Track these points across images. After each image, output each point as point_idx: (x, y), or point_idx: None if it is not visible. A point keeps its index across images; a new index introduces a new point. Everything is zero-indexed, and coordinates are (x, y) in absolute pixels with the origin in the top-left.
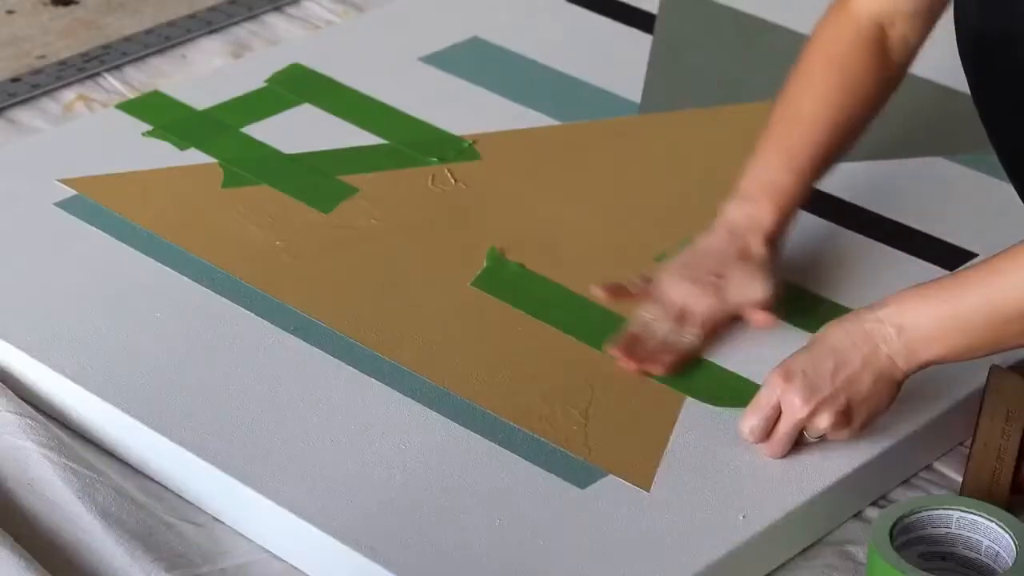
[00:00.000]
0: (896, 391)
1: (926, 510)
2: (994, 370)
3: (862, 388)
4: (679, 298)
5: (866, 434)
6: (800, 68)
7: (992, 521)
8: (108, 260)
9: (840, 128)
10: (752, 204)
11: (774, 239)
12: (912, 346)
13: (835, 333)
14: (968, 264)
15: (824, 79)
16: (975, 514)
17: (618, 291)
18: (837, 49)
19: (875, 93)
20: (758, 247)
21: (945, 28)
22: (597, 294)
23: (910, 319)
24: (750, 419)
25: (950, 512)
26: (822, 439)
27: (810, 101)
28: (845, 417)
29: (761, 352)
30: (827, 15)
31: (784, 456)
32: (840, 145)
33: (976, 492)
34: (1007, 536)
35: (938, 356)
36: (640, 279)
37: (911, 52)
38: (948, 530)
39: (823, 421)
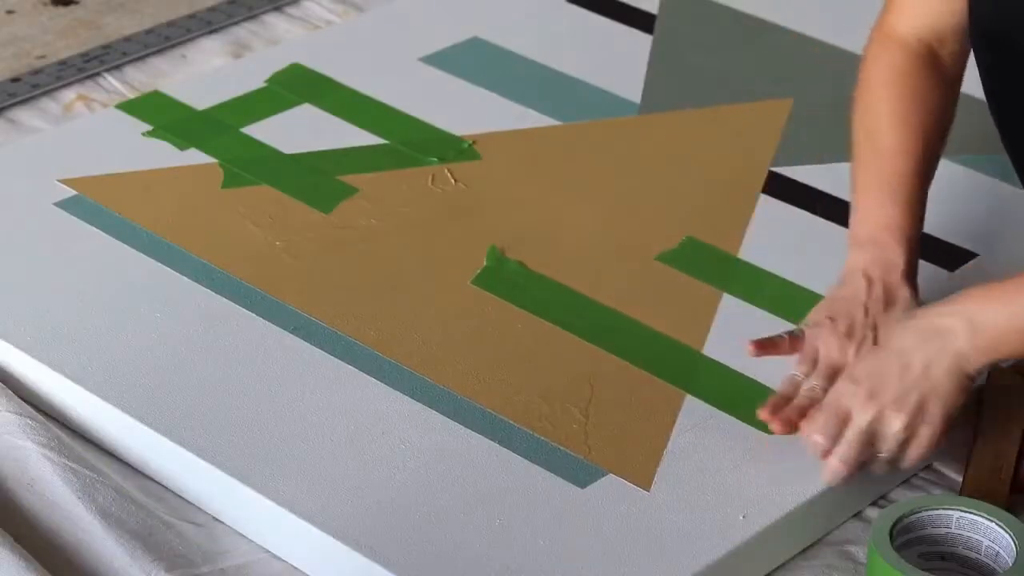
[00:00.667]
0: (969, 385)
1: (926, 510)
2: (994, 370)
3: (934, 383)
4: (833, 354)
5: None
6: (865, 101)
7: (992, 521)
8: (108, 260)
9: (925, 149)
10: (878, 247)
11: (911, 277)
12: (982, 341)
13: (900, 335)
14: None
15: (893, 106)
16: (975, 514)
17: (767, 346)
18: (896, 74)
19: (943, 107)
20: (901, 289)
21: None
22: (748, 349)
23: (980, 315)
24: (815, 426)
25: (950, 512)
26: (900, 455)
27: (889, 131)
28: (919, 416)
29: None
30: (873, 44)
31: (851, 473)
32: (930, 165)
33: (976, 492)
34: (1007, 536)
35: (1008, 352)
36: (787, 334)
37: (963, 63)
38: (948, 530)
39: (895, 423)
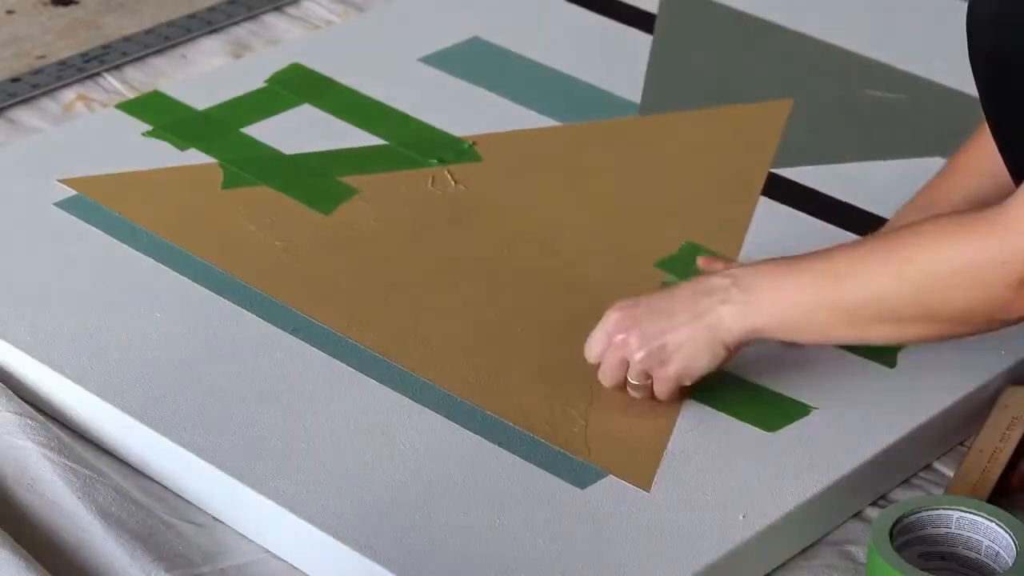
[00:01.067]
0: (721, 353)
1: (926, 510)
2: (1008, 387)
3: (683, 333)
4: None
5: (865, 433)
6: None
7: (992, 521)
8: (108, 260)
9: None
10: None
11: None
12: (747, 309)
13: (685, 284)
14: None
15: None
16: (975, 514)
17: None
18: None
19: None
20: None
21: (945, 29)
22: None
23: (752, 281)
24: (590, 340)
25: (950, 512)
26: (643, 388)
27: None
28: (659, 354)
29: (760, 353)
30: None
31: (615, 383)
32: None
33: (960, 489)
34: (1007, 536)
35: (762, 325)
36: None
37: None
38: (948, 530)
39: (637, 352)
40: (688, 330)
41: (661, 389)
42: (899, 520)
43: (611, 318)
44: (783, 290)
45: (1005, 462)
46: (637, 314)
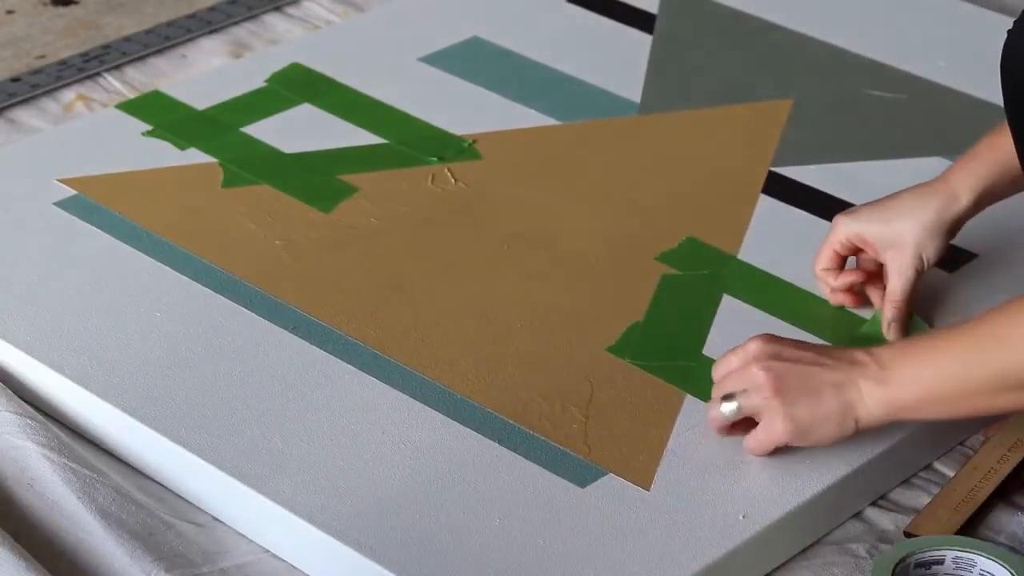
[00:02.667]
0: (850, 428)
1: (920, 551)
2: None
3: (817, 397)
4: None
5: (864, 434)
6: None
7: (992, 559)
8: (108, 260)
9: None
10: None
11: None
12: (886, 385)
13: (832, 348)
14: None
15: None
16: (973, 552)
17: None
18: None
19: None
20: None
21: (945, 29)
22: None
23: (889, 356)
24: (725, 359)
25: (944, 552)
26: (736, 422)
27: None
28: (786, 407)
29: None
30: None
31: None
32: None
33: (944, 504)
34: (1006, 572)
35: (903, 399)
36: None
37: None
38: (946, 571)
39: (766, 391)
40: (826, 398)
41: (762, 439)
42: (900, 561)
43: (754, 348)
44: (920, 362)
45: (996, 483)
46: (783, 354)
